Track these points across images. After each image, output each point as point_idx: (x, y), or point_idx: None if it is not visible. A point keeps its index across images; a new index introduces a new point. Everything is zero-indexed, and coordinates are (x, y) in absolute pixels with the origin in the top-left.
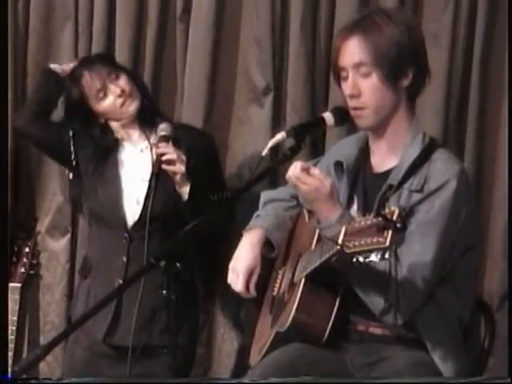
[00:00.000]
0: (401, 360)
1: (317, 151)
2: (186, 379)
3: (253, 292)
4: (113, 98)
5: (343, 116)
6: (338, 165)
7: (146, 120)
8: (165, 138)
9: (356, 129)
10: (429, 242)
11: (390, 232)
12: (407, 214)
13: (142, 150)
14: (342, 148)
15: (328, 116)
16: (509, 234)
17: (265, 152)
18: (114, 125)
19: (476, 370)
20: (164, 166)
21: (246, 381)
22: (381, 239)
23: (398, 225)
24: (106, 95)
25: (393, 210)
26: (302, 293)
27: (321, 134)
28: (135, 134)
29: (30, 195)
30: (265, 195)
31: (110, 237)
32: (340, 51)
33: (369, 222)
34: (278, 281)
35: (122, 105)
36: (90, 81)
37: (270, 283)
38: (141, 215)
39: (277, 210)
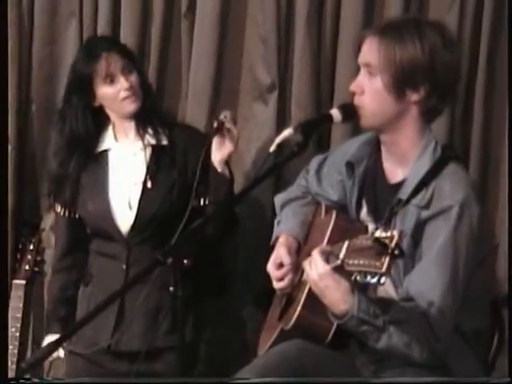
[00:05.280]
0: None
1: (322, 147)
2: (186, 379)
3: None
4: (119, 88)
5: (350, 113)
6: (349, 165)
7: (143, 121)
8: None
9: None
10: (438, 279)
11: (387, 259)
12: (416, 232)
13: (135, 154)
14: (351, 148)
15: (335, 113)
16: (509, 236)
17: (272, 148)
18: (110, 113)
19: (485, 371)
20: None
21: (240, 381)
22: (378, 264)
23: (396, 252)
24: (112, 82)
25: (393, 234)
26: (308, 292)
27: (326, 131)
28: (131, 132)
29: (34, 193)
30: (278, 199)
31: (107, 245)
32: (360, 48)
33: (369, 243)
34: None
35: (124, 99)
36: (105, 63)
37: None
38: (135, 220)
39: (295, 210)
